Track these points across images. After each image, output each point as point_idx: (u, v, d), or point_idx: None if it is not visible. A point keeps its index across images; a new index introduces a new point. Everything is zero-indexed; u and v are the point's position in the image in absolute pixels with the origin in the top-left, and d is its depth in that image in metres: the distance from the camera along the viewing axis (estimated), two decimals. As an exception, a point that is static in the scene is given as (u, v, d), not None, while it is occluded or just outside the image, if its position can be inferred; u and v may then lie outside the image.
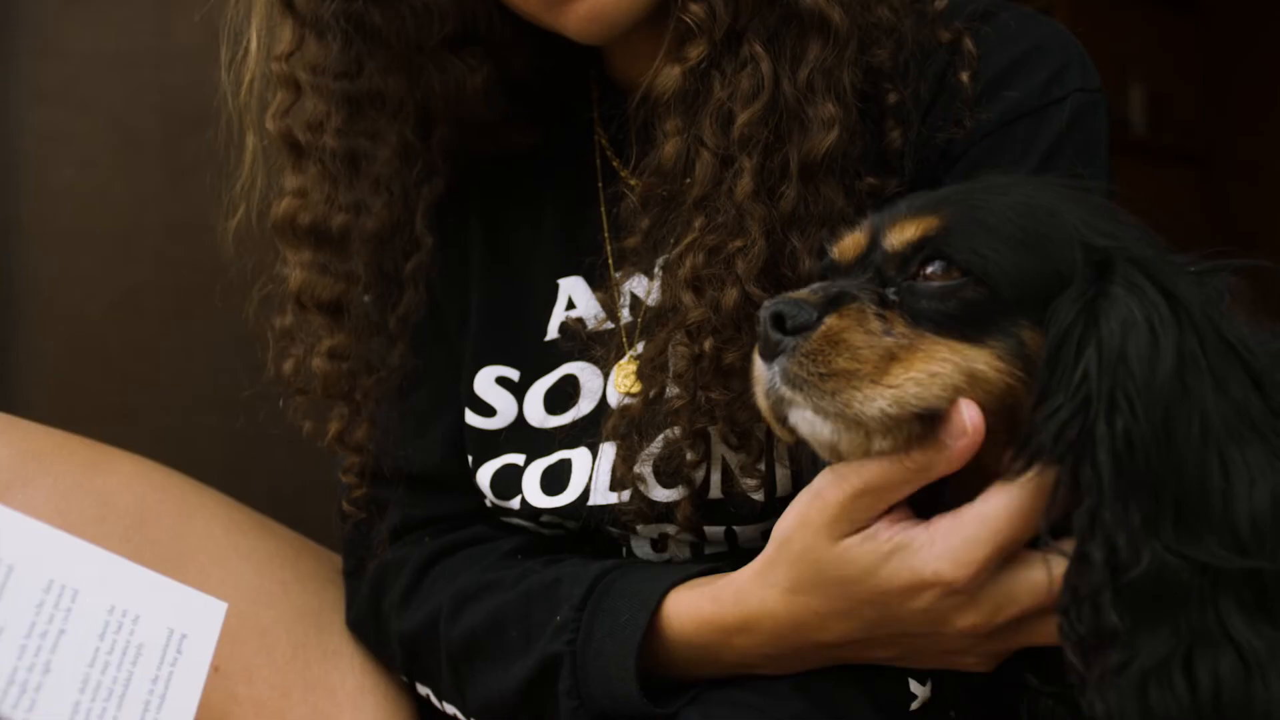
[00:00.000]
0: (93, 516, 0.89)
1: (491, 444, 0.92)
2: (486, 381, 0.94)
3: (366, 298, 0.95)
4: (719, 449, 0.83)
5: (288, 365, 0.94)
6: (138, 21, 1.39)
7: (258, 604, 0.94)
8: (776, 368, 0.63)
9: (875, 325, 0.61)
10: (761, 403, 0.66)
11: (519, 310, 0.94)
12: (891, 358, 0.60)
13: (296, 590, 0.97)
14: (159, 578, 0.73)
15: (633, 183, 0.91)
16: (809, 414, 0.62)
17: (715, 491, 0.85)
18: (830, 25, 0.80)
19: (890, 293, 0.64)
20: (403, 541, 0.94)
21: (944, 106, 0.84)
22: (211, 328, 1.18)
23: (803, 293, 0.64)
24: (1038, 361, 0.60)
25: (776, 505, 0.80)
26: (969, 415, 0.61)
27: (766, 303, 0.64)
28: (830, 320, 0.62)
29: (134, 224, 1.35)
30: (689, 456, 0.82)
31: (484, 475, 0.92)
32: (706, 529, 0.86)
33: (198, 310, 1.33)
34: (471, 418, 0.93)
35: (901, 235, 0.64)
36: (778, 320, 0.63)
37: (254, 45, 0.95)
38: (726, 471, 0.84)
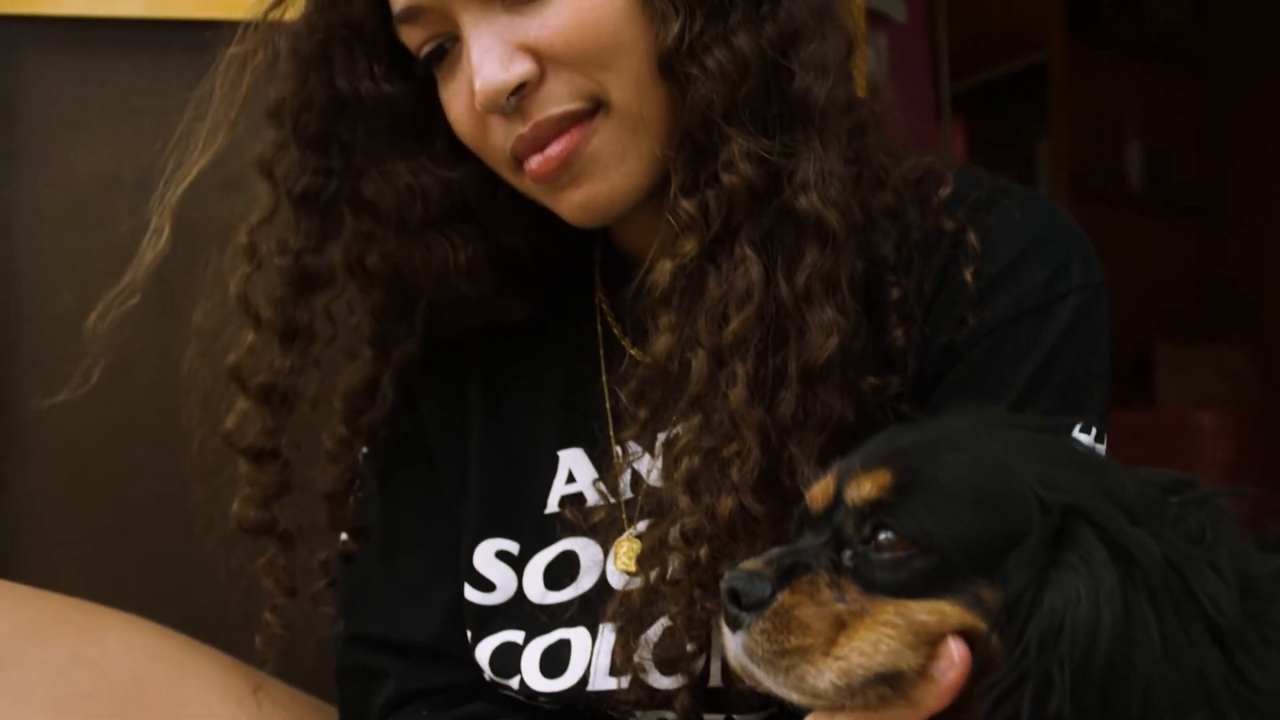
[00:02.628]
0: (88, 690, 0.91)
1: (490, 620, 0.93)
2: (486, 556, 0.95)
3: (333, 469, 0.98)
4: (719, 638, 0.85)
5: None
6: (138, 144, 1.40)
7: None
8: (738, 640, 0.65)
9: (827, 595, 0.63)
10: (733, 665, 0.68)
11: (519, 481, 0.96)
12: (841, 626, 0.62)
13: None
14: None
15: (633, 352, 0.93)
16: (773, 685, 0.64)
17: (715, 680, 0.86)
18: (828, 230, 0.81)
19: (847, 557, 0.65)
20: (399, 715, 0.95)
21: (946, 304, 0.85)
22: (206, 452, 1.20)
23: (759, 564, 0.66)
24: (997, 611, 0.62)
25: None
26: (956, 650, 0.61)
27: (726, 575, 0.66)
28: (783, 596, 0.64)
29: (131, 348, 1.36)
30: (688, 648, 0.83)
31: (483, 651, 0.93)
32: (706, 717, 0.87)
33: (191, 415, 1.34)
34: (471, 593, 0.94)
35: (858, 491, 0.66)
36: (733, 596, 0.65)
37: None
38: (727, 660, 0.85)
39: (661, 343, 0.83)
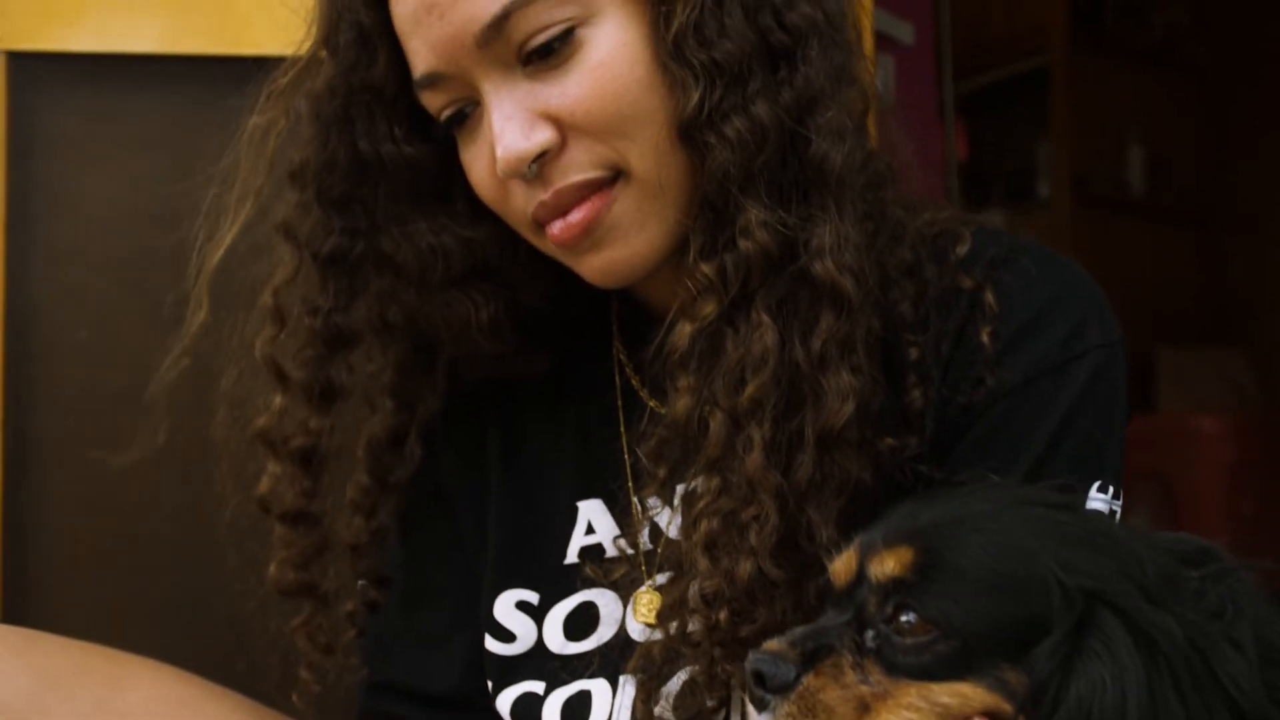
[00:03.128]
0: (114, 742, 0.92)
1: (511, 670, 0.94)
2: (506, 607, 0.96)
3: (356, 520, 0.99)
4: (739, 691, 0.85)
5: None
6: (152, 179, 1.42)
7: None
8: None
9: (851, 678, 0.65)
10: None
11: (538, 532, 0.96)
12: (865, 709, 0.64)
13: None
14: None
15: (651, 404, 0.94)
16: None
17: None
18: (843, 296, 0.81)
19: (870, 638, 0.66)
20: None
21: (964, 364, 0.86)
22: (227, 486, 1.21)
23: (784, 645, 0.67)
24: (1021, 694, 0.63)
25: None
26: None
27: (751, 656, 0.67)
28: (808, 679, 0.65)
29: (145, 382, 1.37)
30: (708, 703, 0.84)
31: (504, 702, 0.94)
32: None
33: (212, 469, 1.35)
34: (491, 644, 0.95)
35: (881, 569, 0.67)
36: (759, 678, 0.66)
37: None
38: (746, 715, 0.86)
39: (681, 404, 0.84)
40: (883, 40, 1.90)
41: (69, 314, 1.36)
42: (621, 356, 0.99)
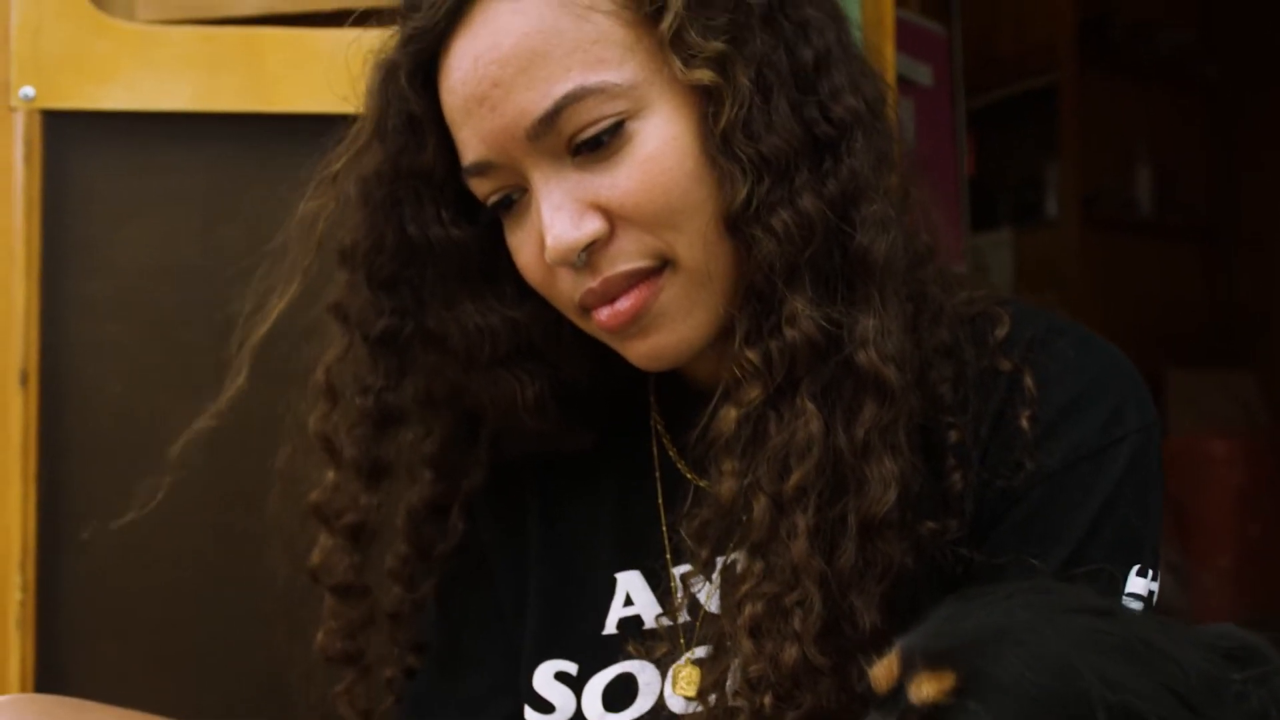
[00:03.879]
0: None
1: None
2: (545, 677, 0.97)
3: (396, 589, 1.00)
4: None
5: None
6: (185, 235, 1.43)
7: None
8: None
9: None
10: None
11: (577, 602, 0.97)
12: None
13: None
14: None
15: (689, 476, 0.95)
16: None
17: None
18: (886, 386, 0.83)
19: None
20: None
21: (1003, 447, 0.86)
22: (255, 539, 1.22)
23: None
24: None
25: None
26: None
27: None
28: None
29: (176, 435, 1.38)
30: None
31: None
32: None
33: (240, 522, 1.37)
34: (531, 715, 0.96)
35: (921, 692, 0.67)
36: None
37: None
38: None
39: (725, 487, 0.85)
40: (903, 84, 1.92)
41: (102, 368, 1.37)
42: (660, 429, 1.00)
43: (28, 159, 1.34)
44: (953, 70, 2.34)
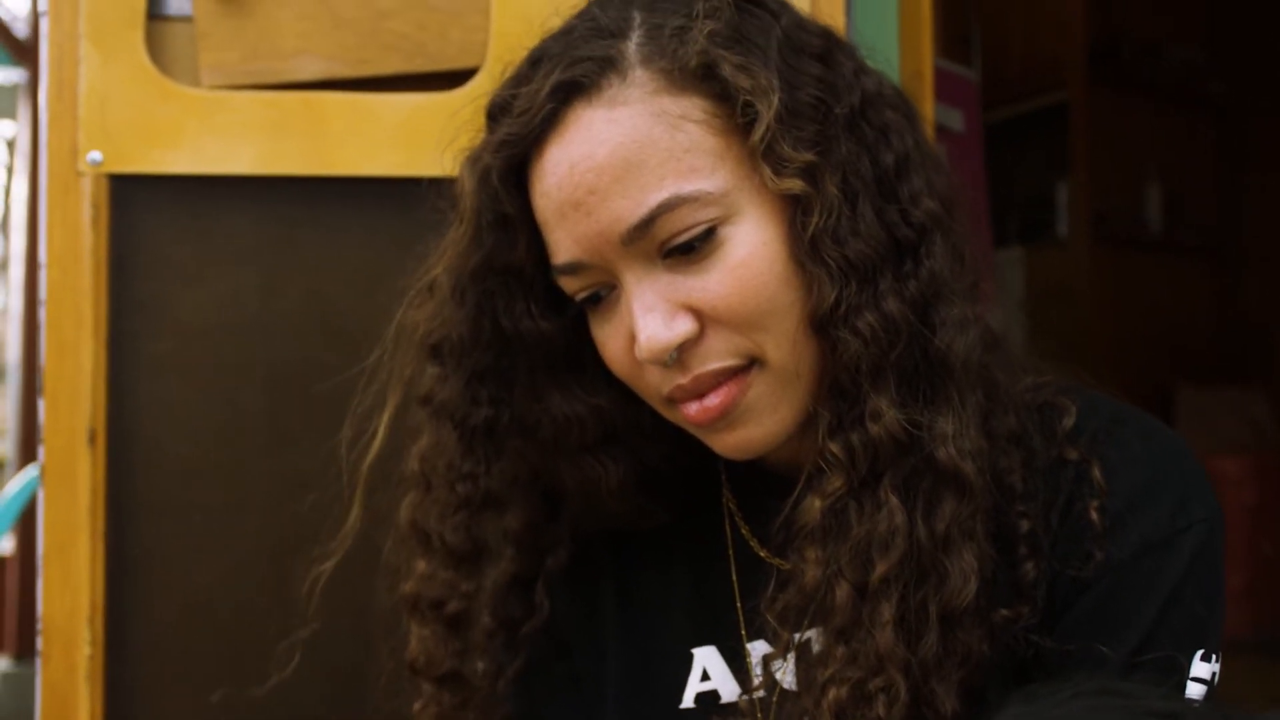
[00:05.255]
0: None
1: None
2: None
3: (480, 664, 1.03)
4: None
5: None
6: (244, 295, 1.46)
7: None
8: None
9: None
10: None
11: (655, 679, 1.00)
12: None
13: None
14: None
15: (762, 554, 0.98)
16: None
17: None
18: (966, 481, 0.86)
19: None
20: None
21: (1071, 538, 0.89)
22: (313, 598, 1.25)
23: None
24: None
25: None
26: None
27: None
28: None
29: (239, 495, 1.42)
30: None
31: None
32: None
33: (303, 581, 1.40)
34: None
35: None
36: None
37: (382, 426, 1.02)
38: None
39: (810, 576, 0.88)
40: (939, 132, 1.95)
41: (166, 427, 1.40)
42: (732, 507, 1.03)
43: (95, 222, 1.37)
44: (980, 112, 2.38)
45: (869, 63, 0.95)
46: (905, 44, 1.69)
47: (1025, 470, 0.92)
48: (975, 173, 2.30)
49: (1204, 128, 4.55)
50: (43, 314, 1.36)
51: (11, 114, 8.59)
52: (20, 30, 5.62)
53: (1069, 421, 0.94)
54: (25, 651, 4.89)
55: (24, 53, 5.55)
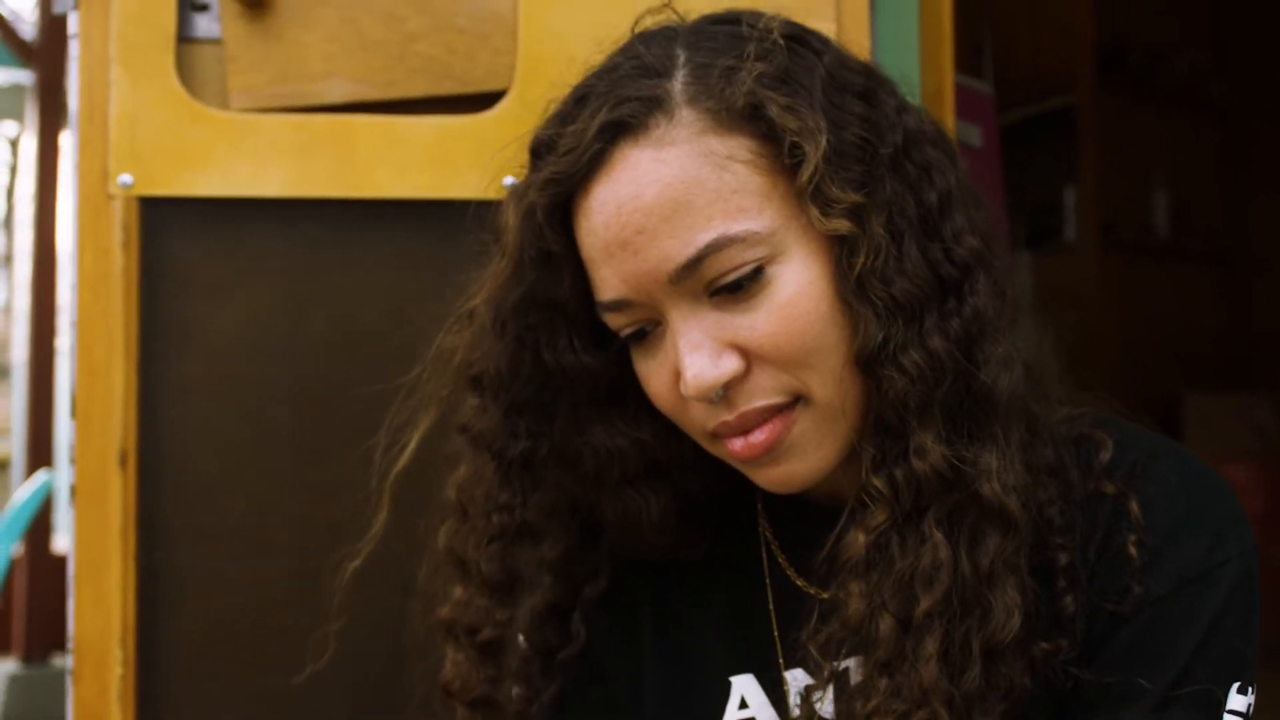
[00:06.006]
0: None
1: None
2: None
3: (516, 689, 1.03)
4: None
5: None
6: (272, 316, 1.46)
7: None
8: None
9: None
10: None
11: (693, 705, 1.01)
12: None
13: None
14: None
15: (799, 583, 0.99)
16: None
17: None
18: (1010, 517, 0.87)
19: None
20: None
21: (1110, 572, 0.90)
22: (353, 618, 1.26)
23: None
24: None
25: None
26: None
27: None
28: None
29: (267, 514, 1.43)
30: None
31: None
32: None
33: (329, 600, 1.41)
34: None
35: None
36: None
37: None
38: None
39: (854, 608, 0.89)
40: (960, 148, 1.95)
41: (196, 448, 1.41)
42: (768, 535, 1.04)
43: (125, 245, 1.38)
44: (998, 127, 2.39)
45: (908, 99, 0.96)
46: (926, 62, 1.70)
47: (1062, 503, 0.93)
48: (993, 187, 2.31)
49: (1210, 133, 4.56)
50: (73, 336, 1.37)
51: (13, 114, 8.59)
52: (26, 32, 5.63)
53: (1106, 455, 0.94)
54: (33, 654, 4.90)
55: (29, 54, 5.55)
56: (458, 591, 1.00)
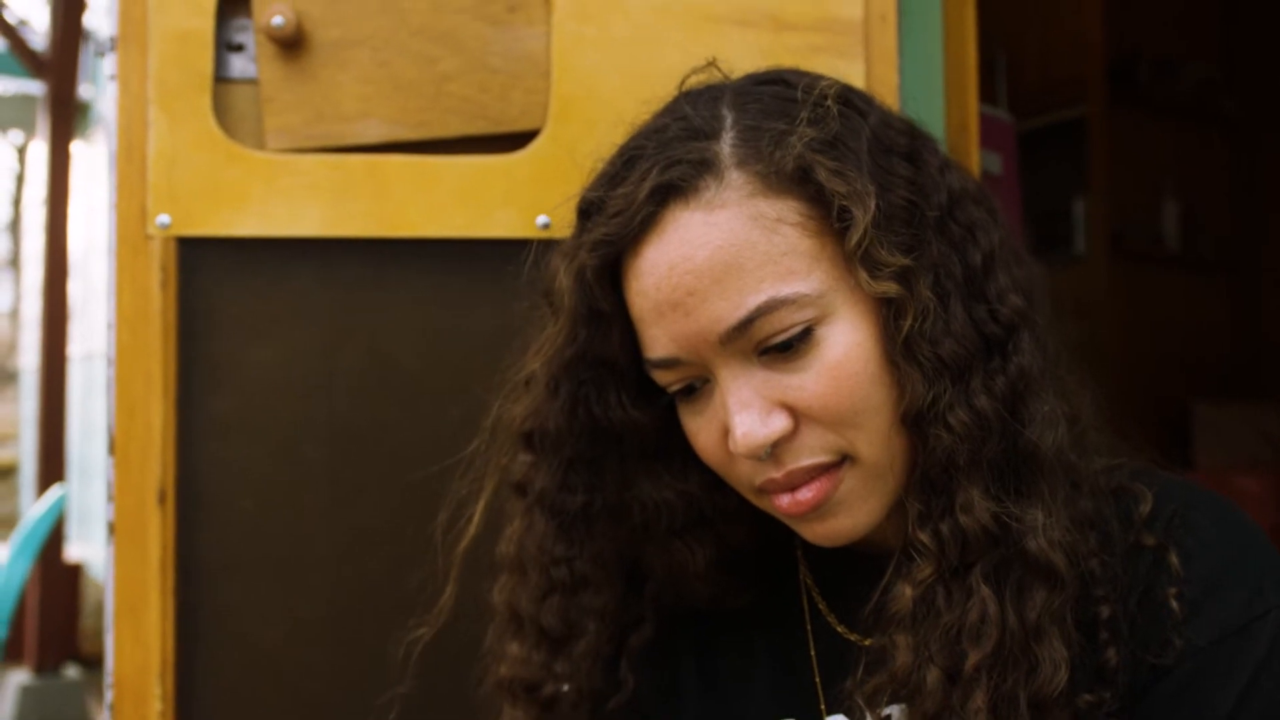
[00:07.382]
0: None
1: None
2: None
3: None
4: None
5: None
6: (308, 354, 1.48)
7: None
8: None
9: None
10: None
11: None
12: None
13: None
14: None
15: (839, 629, 1.00)
16: None
17: None
18: (1056, 572, 0.88)
19: None
20: None
21: (1151, 624, 0.91)
22: (378, 655, 1.28)
23: None
24: None
25: None
26: None
27: None
28: None
29: (303, 551, 1.44)
30: None
31: None
32: None
33: (368, 636, 1.43)
34: None
35: None
36: None
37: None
38: None
39: (901, 660, 0.90)
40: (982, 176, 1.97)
41: (233, 486, 1.42)
42: (809, 583, 1.05)
43: (164, 285, 1.39)
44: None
45: (950, 156, 0.97)
46: (951, 97, 1.71)
47: (1104, 555, 0.94)
48: (1012, 213, 2.32)
49: (1219, 145, 4.57)
50: (112, 374, 1.39)
51: (20, 123, 8.61)
52: (36, 43, 5.65)
53: (1145, 508, 0.96)
54: (45, 664, 4.92)
55: (40, 65, 5.57)
56: (514, 648, 1.01)
